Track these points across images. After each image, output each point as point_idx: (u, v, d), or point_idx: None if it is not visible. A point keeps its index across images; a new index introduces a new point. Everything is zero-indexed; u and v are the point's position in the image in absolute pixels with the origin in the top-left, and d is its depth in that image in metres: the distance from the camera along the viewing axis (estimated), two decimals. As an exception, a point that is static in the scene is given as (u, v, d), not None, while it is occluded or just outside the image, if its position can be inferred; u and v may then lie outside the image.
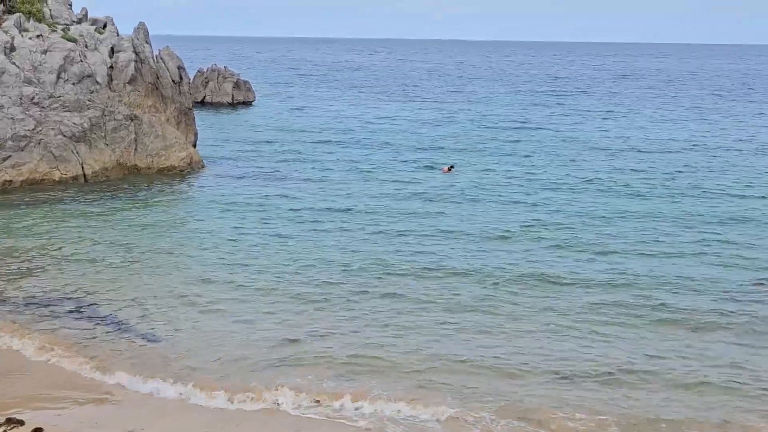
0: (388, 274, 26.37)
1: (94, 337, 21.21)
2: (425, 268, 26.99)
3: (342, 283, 25.48)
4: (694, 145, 56.38)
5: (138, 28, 47.94)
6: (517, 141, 57.49)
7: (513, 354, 20.15)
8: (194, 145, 47.93)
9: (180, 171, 43.68)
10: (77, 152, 40.99)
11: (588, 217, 34.98)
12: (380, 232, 31.57)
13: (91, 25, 46.82)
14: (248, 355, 20.04)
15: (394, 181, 42.14)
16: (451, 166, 44.65)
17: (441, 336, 21.30)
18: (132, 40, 46.20)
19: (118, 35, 46.55)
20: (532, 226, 33.06)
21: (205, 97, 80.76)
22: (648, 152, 52.84)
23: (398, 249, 29.22)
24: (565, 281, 25.87)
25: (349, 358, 19.84)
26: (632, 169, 46.59)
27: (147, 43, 47.38)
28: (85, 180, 40.71)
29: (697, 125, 68.54)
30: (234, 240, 30.73)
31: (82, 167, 40.95)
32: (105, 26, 46.97)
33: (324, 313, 22.97)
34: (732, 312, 23.28)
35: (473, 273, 26.53)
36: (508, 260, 28.09)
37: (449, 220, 33.80)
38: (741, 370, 19.51)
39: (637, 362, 19.78)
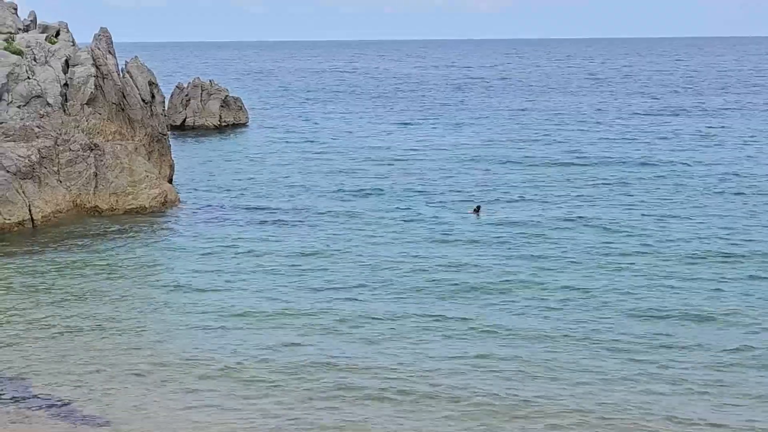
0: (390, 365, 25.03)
1: (26, 417, 21.12)
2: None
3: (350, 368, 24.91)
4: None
5: (99, 35, 47.88)
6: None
7: None
8: (170, 181, 47.76)
9: (152, 212, 43.30)
10: (23, 192, 40.72)
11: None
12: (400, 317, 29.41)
13: (41, 33, 46.95)
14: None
15: (419, 228, 41.17)
16: (478, 207, 44.47)
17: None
18: (91, 50, 46.09)
19: (74, 45, 46.55)
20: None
21: (186, 119, 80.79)
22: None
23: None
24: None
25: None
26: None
27: (110, 53, 47.30)
28: (33, 226, 40.54)
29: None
30: (217, 305, 30.14)
31: (30, 210, 40.69)
32: (58, 34, 47.16)
33: (316, 407, 22.50)
34: None
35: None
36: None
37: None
38: None
39: None
